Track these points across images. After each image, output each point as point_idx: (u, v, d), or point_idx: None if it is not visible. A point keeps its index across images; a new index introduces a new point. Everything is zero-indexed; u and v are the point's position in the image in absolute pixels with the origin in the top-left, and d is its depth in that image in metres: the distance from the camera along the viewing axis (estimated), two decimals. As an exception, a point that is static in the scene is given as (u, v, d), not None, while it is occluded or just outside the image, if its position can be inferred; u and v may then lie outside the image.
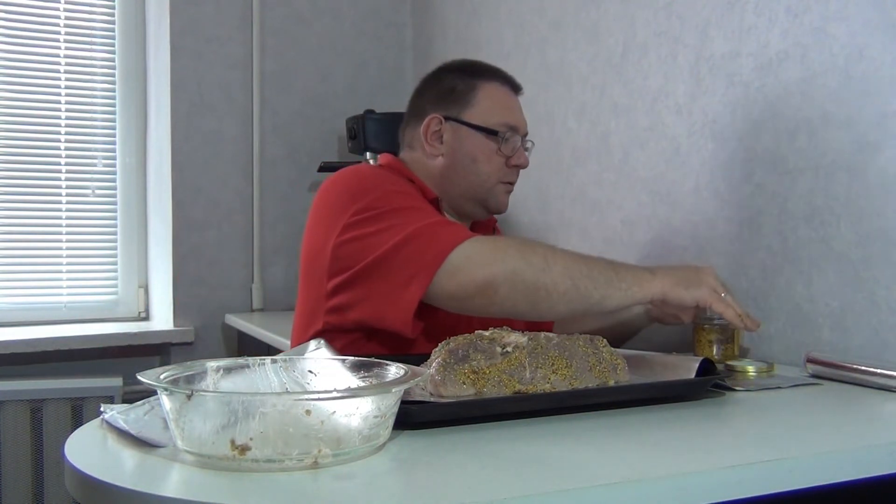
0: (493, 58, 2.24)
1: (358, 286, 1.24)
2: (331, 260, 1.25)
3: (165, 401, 0.74)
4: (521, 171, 1.47)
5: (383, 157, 1.47)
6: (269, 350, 2.09)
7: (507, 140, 1.41)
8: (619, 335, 1.49)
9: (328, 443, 0.71)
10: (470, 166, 1.40)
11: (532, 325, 1.34)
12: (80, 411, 2.24)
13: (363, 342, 1.26)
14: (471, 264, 1.17)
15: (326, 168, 2.45)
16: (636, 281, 1.19)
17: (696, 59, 1.59)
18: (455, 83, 1.43)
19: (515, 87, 1.47)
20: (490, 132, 1.40)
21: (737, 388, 1.10)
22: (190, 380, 0.82)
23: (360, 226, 1.24)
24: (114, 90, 2.57)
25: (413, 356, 1.00)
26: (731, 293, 1.22)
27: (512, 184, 1.45)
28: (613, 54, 1.82)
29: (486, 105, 1.41)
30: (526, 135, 1.46)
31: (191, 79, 2.49)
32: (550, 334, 1.03)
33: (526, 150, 1.46)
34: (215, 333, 2.54)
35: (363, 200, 1.25)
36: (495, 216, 1.54)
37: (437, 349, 0.99)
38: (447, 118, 1.41)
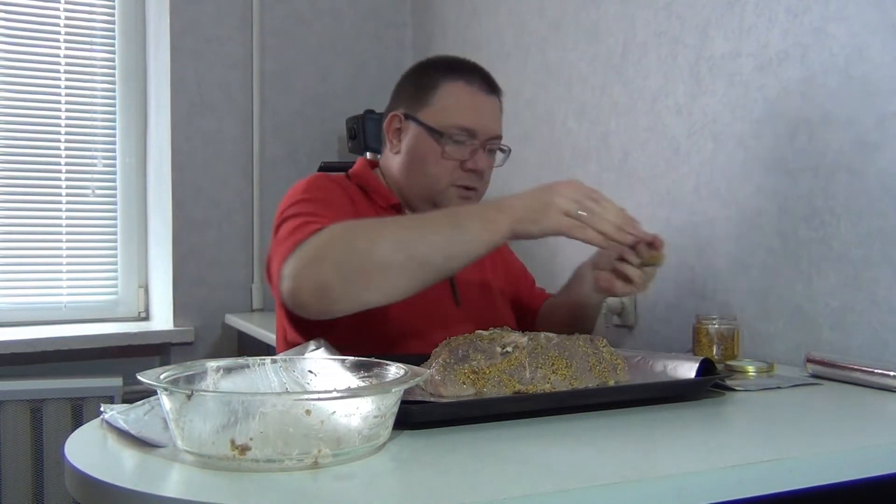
0: (493, 58, 2.24)
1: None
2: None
3: (165, 401, 0.74)
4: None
5: (358, 162, 1.46)
6: (269, 350, 2.09)
7: (458, 143, 1.34)
8: (580, 317, 1.43)
9: (328, 443, 0.71)
10: (419, 167, 1.36)
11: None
12: (80, 411, 2.24)
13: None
14: (298, 273, 1.11)
15: (326, 168, 2.45)
16: (482, 226, 1.09)
17: (696, 59, 1.59)
18: (421, 80, 1.39)
19: (489, 89, 1.39)
20: (439, 133, 1.34)
21: (737, 388, 1.10)
22: (190, 380, 0.82)
23: (274, 232, 1.26)
24: (114, 90, 2.57)
25: (413, 356, 1.00)
26: (601, 201, 1.10)
27: (469, 188, 1.37)
28: (613, 54, 1.82)
29: (442, 105, 1.35)
30: (495, 138, 1.39)
31: (191, 79, 2.49)
32: (551, 334, 1.03)
33: (493, 151, 1.40)
34: (215, 333, 2.54)
35: (284, 206, 1.28)
36: None
37: (437, 349, 0.99)
38: (406, 115, 1.38)
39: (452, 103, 1.36)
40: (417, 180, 1.37)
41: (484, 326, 1.21)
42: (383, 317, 1.22)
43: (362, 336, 1.23)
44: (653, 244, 1.18)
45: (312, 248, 1.12)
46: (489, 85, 1.40)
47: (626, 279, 1.21)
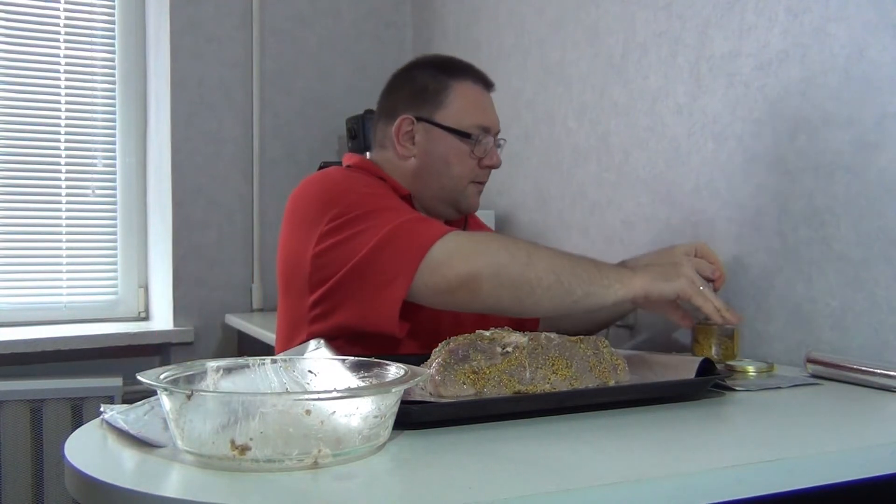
0: (493, 58, 2.24)
1: (340, 293, 1.23)
2: (310, 271, 1.24)
3: (165, 401, 0.74)
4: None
5: (349, 158, 1.44)
6: (269, 350, 2.09)
7: (480, 142, 1.38)
8: (605, 321, 1.49)
9: (328, 443, 0.71)
10: (443, 169, 1.38)
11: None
12: (80, 411, 2.24)
13: (346, 347, 1.23)
14: (454, 258, 1.16)
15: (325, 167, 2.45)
16: (619, 278, 1.18)
17: (696, 59, 1.59)
18: (427, 82, 1.39)
19: (488, 84, 1.44)
20: (463, 134, 1.37)
21: (737, 388, 1.10)
22: (190, 380, 0.82)
23: (335, 233, 1.22)
24: (114, 90, 2.57)
25: (413, 356, 1.00)
26: (707, 287, 1.23)
27: (483, 183, 1.43)
28: (613, 54, 1.82)
29: (458, 106, 1.38)
30: (498, 133, 1.44)
31: (191, 79, 2.49)
32: (551, 334, 1.03)
33: (498, 147, 1.44)
34: (215, 333, 2.54)
35: (336, 207, 1.24)
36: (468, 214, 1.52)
37: (437, 349, 0.99)
38: (419, 119, 1.38)
39: (467, 103, 1.39)
40: (438, 182, 1.39)
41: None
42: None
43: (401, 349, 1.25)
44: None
45: (471, 242, 1.19)
46: (486, 81, 1.44)
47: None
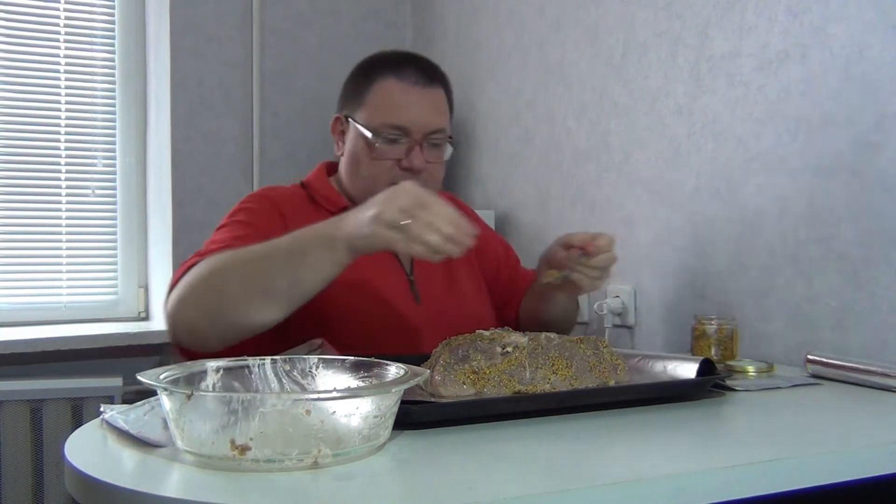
0: (493, 58, 2.24)
1: None
2: None
3: (165, 401, 0.74)
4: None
5: (315, 168, 1.47)
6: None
7: (390, 142, 1.30)
8: (559, 317, 1.44)
9: (328, 443, 0.71)
10: (355, 168, 1.36)
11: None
12: (80, 411, 2.24)
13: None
14: (174, 315, 1.12)
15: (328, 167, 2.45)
16: (323, 248, 1.03)
17: (696, 59, 1.59)
18: (356, 80, 1.39)
19: (427, 81, 1.33)
20: (374, 133, 1.31)
21: (737, 388, 1.10)
22: (190, 380, 0.82)
23: None
24: (114, 90, 2.57)
25: (413, 356, 1.00)
26: (431, 207, 0.98)
27: None
28: (613, 54, 1.82)
29: (373, 104, 1.33)
30: (435, 132, 1.32)
31: (191, 79, 2.49)
32: (551, 334, 1.03)
33: (438, 146, 1.34)
34: (215, 333, 2.54)
35: None
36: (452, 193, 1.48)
37: (437, 349, 0.99)
38: (346, 117, 1.38)
39: (383, 101, 1.33)
40: (357, 182, 1.36)
41: (449, 324, 1.19)
42: (335, 323, 1.20)
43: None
44: (585, 249, 1.25)
45: (180, 288, 1.12)
46: (427, 77, 1.34)
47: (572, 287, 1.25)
